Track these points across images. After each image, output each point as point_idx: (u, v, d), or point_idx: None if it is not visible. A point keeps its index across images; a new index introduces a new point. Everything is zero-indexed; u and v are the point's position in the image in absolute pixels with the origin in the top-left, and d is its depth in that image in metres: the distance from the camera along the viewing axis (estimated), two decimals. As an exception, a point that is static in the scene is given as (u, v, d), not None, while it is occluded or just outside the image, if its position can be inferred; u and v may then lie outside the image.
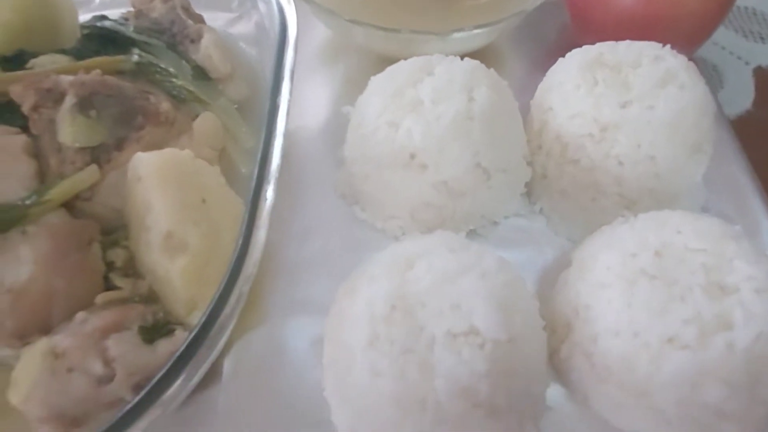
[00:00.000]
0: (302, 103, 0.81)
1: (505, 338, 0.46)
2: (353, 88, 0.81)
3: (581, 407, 0.57)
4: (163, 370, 0.45)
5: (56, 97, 0.62)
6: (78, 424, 0.52)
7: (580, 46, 0.71)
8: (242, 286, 0.50)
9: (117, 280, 0.60)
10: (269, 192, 0.55)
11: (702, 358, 0.46)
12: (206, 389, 0.60)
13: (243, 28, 0.90)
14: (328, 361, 0.55)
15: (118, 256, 0.61)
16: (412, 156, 0.60)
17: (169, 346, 0.54)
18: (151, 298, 0.60)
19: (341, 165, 0.74)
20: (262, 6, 0.82)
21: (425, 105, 0.60)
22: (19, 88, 0.60)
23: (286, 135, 0.63)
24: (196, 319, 0.55)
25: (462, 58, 0.66)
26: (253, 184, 0.55)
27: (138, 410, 0.44)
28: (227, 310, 0.49)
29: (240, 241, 0.52)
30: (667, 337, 0.47)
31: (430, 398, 0.45)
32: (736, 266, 0.49)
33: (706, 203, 0.71)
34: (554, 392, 0.58)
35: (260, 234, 0.53)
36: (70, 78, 0.62)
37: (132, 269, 0.62)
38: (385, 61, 0.69)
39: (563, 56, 0.71)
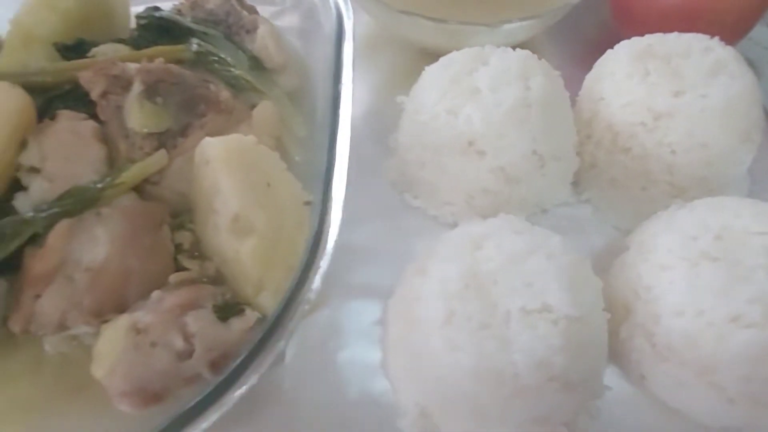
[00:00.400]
0: (346, 93, 0.84)
1: (576, 315, 0.48)
2: (397, 78, 0.84)
3: (637, 387, 0.59)
4: (251, 346, 0.47)
5: (123, 84, 0.64)
6: (157, 399, 0.54)
7: (621, 39, 0.73)
8: (318, 270, 0.52)
9: (185, 261, 0.61)
10: (339, 179, 0.56)
11: (767, 336, 0.48)
12: (270, 371, 0.62)
13: (287, 20, 0.92)
14: (395, 340, 0.57)
15: (185, 238, 0.63)
16: (471, 142, 0.62)
17: (241, 324, 0.56)
18: (217, 279, 0.62)
19: (392, 153, 0.76)
20: None
21: (483, 93, 0.62)
22: (90, 74, 0.62)
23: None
24: (264, 299, 0.58)
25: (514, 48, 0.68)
26: (324, 170, 0.57)
27: (227, 384, 0.46)
28: (306, 292, 0.50)
29: (316, 225, 0.53)
30: (732, 316, 0.49)
31: (508, 371, 0.47)
32: (796, 247, 0.51)
33: (750, 193, 0.73)
34: (610, 372, 0.60)
35: (335, 218, 0.54)
36: (136, 66, 0.64)
37: (197, 251, 0.63)
38: (425, 52, 0.71)
39: (603, 49, 0.74)
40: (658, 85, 0.62)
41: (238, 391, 0.48)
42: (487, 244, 0.52)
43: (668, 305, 0.52)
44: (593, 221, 0.74)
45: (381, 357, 0.62)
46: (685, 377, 0.53)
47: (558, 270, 0.50)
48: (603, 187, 0.72)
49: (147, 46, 0.73)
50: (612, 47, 0.74)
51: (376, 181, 0.77)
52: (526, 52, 0.67)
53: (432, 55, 0.83)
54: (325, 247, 0.52)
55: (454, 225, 0.71)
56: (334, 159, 0.58)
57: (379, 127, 0.81)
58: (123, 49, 0.72)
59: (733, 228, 0.53)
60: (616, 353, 0.60)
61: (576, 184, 0.75)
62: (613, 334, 0.59)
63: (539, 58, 0.68)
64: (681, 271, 0.52)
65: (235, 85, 0.72)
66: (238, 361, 0.47)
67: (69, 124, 0.62)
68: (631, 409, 0.59)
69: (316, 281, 0.51)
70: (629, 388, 0.60)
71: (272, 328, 0.49)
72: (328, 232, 0.53)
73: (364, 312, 0.66)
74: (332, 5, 0.72)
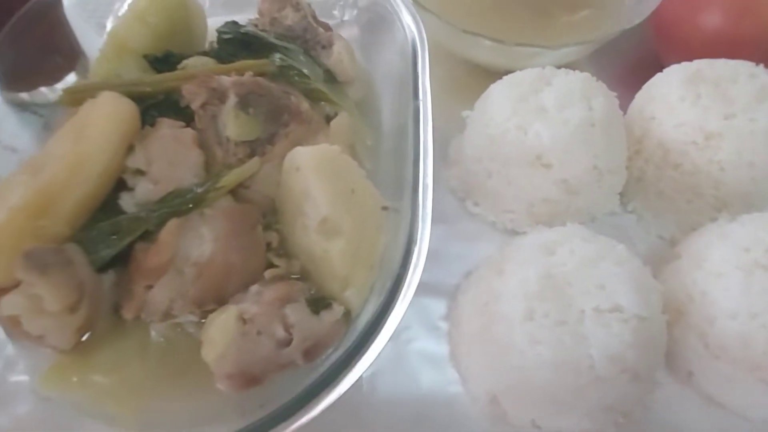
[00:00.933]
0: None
1: (645, 315, 0.54)
2: (454, 92, 0.90)
3: (684, 383, 0.65)
4: (360, 334, 0.53)
5: (219, 95, 0.69)
6: (256, 382, 0.59)
7: (663, 61, 0.80)
8: (412, 274, 0.57)
9: (273, 259, 0.67)
10: (429, 190, 0.62)
11: (814, 337, 0.54)
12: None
13: (346, 32, 0.98)
14: (470, 334, 0.63)
15: (272, 237, 0.68)
16: (538, 156, 0.68)
17: (330, 317, 0.61)
18: (302, 275, 0.67)
19: (453, 162, 0.82)
20: (365, 11, 0.91)
21: (550, 112, 0.68)
22: (193, 87, 0.68)
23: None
24: (351, 295, 0.64)
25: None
26: (412, 180, 0.62)
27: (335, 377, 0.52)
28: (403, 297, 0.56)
29: (407, 233, 0.59)
30: (784, 318, 0.55)
31: (584, 363, 0.53)
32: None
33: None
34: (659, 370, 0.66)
35: (426, 228, 0.59)
36: (230, 78, 0.70)
37: (283, 250, 0.69)
38: (479, 68, 0.76)
39: (643, 69, 0.80)
40: (709, 107, 0.69)
41: (349, 381, 0.53)
42: (559, 250, 0.59)
43: (723, 309, 0.58)
44: (637, 230, 0.80)
45: (449, 350, 0.68)
46: (735, 374, 0.59)
47: (627, 275, 0.56)
48: (649, 198, 0.78)
49: (228, 59, 0.79)
50: (653, 70, 0.81)
51: (437, 188, 0.83)
52: (586, 74, 0.73)
53: (485, 72, 0.89)
54: (419, 256, 0.57)
55: (512, 231, 0.77)
56: (420, 170, 0.63)
57: (437, 137, 0.87)
58: (209, 62, 0.77)
59: (784, 241, 0.59)
60: (667, 352, 0.65)
61: (622, 194, 0.81)
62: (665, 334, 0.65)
63: (597, 80, 0.74)
64: (735, 279, 0.58)
65: (311, 97, 0.78)
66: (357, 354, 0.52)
67: (171, 131, 0.68)
68: (680, 401, 0.65)
69: (411, 288, 0.56)
70: (677, 385, 0.66)
71: (375, 326, 0.54)
72: (421, 242, 0.58)
73: (431, 308, 0.72)
74: (405, 24, 0.77)
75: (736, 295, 0.57)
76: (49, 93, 0.92)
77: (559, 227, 0.63)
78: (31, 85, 0.89)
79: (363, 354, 0.53)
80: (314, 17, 0.84)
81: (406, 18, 0.78)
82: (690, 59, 0.78)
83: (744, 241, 0.60)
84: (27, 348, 0.62)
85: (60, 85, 0.92)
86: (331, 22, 1.00)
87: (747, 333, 0.56)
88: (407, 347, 0.69)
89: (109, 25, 1.01)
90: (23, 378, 0.62)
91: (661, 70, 0.81)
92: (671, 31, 0.87)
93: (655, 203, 0.77)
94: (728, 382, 0.61)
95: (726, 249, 0.60)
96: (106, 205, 0.65)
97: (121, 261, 0.63)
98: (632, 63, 0.98)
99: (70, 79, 0.93)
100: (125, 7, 1.02)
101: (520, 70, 0.78)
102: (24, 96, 0.90)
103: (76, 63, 0.93)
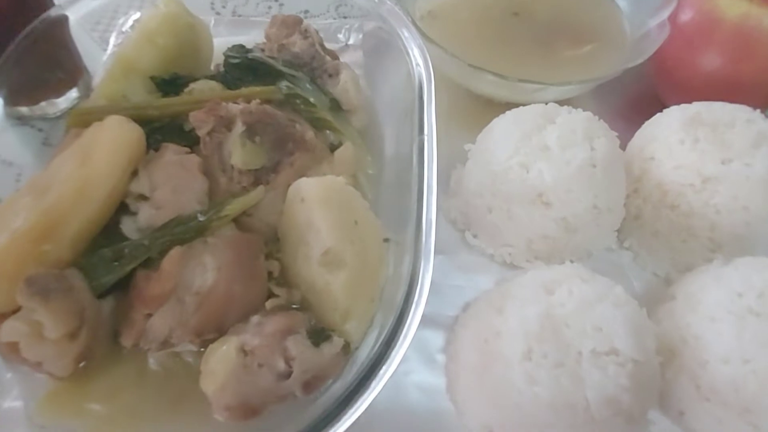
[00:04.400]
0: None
1: (641, 359, 0.57)
2: (454, 122, 0.92)
3: (674, 422, 0.68)
4: (362, 372, 0.55)
5: (226, 123, 0.71)
6: (254, 413, 0.61)
7: (663, 99, 0.83)
8: (416, 308, 0.59)
9: (274, 288, 0.68)
10: (432, 226, 0.64)
11: (804, 385, 0.57)
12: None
13: (349, 57, 1.00)
14: (467, 369, 0.65)
15: (273, 267, 0.70)
16: (540, 194, 0.71)
17: (331, 350, 0.63)
18: (302, 306, 0.69)
19: (453, 194, 0.84)
20: (370, 37, 0.93)
21: (553, 150, 0.71)
22: (202, 115, 0.69)
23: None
24: (352, 327, 0.66)
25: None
26: (415, 215, 0.64)
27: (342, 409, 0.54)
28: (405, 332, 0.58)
29: (412, 268, 0.61)
30: (774, 365, 0.58)
31: (580, 405, 0.55)
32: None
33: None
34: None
35: (428, 264, 0.61)
36: (239, 106, 0.71)
37: (284, 279, 0.71)
38: (480, 99, 0.77)
39: (642, 106, 0.84)
40: (707, 151, 0.72)
41: (352, 417, 0.54)
42: (558, 290, 0.61)
43: (715, 353, 0.61)
44: (633, 267, 0.83)
45: (446, 382, 0.70)
46: (725, 416, 0.62)
47: (624, 318, 0.58)
48: (645, 236, 0.81)
49: (234, 83, 0.81)
50: (652, 108, 0.84)
51: (437, 218, 0.85)
52: (588, 114, 0.76)
53: (487, 103, 0.92)
54: (421, 294, 0.59)
55: (511, 265, 0.80)
56: (423, 206, 0.65)
57: (438, 167, 0.89)
58: (216, 87, 0.79)
59: (775, 287, 0.62)
60: (660, 391, 0.68)
61: (619, 231, 0.83)
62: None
63: (599, 119, 0.77)
64: (728, 324, 0.61)
65: (316, 125, 0.79)
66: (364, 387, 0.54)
67: (176, 157, 0.69)
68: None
69: (413, 326, 0.58)
70: (668, 424, 0.68)
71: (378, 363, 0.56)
72: (423, 279, 0.60)
73: (429, 340, 0.74)
74: (412, 57, 0.80)
75: (729, 341, 0.60)
76: (49, 107, 0.93)
77: (558, 266, 0.65)
78: (32, 100, 0.91)
79: (366, 390, 0.54)
80: (322, 45, 0.86)
81: (414, 51, 0.80)
82: (689, 99, 0.81)
83: (737, 285, 0.63)
84: (23, 373, 0.63)
85: (61, 101, 0.94)
86: (335, 46, 1.03)
87: (738, 378, 0.59)
88: (404, 379, 0.71)
89: (112, 40, 1.03)
90: (18, 404, 0.63)
91: (660, 108, 0.84)
92: (672, 71, 0.90)
93: (651, 241, 0.80)
94: (718, 423, 0.63)
95: (720, 293, 0.63)
96: (108, 229, 0.67)
97: (122, 288, 0.64)
98: (632, 99, 1.01)
99: (72, 94, 0.95)
100: (129, 22, 1.05)
101: (522, 103, 0.81)
102: (24, 110, 0.91)
103: (78, 78, 0.95)
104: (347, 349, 0.64)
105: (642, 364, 0.57)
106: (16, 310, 0.58)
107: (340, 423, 0.52)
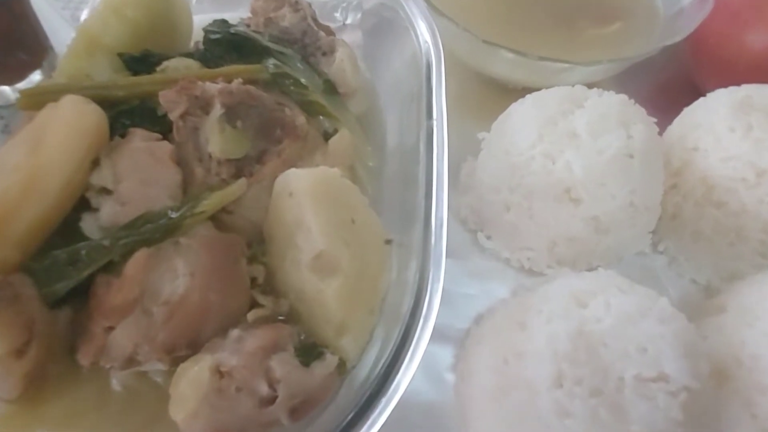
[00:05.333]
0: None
1: (696, 386, 0.49)
2: (465, 107, 0.85)
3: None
4: (363, 399, 0.48)
5: (202, 104, 0.64)
6: (232, 442, 0.54)
7: (699, 82, 0.75)
8: (426, 322, 0.52)
9: (258, 297, 0.62)
10: (443, 225, 0.57)
11: None
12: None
13: (347, 37, 0.93)
14: (483, 394, 0.57)
15: (258, 272, 0.63)
16: (567, 190, 0.64)
17: (323, 370, 0.56)
18: (290, 317, 0.62)
19: (464, 189, 0.77)
20: (371, 15, 0.86)
21: (582, 138, 0.63)
22: (172, 94, 0.62)
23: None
24: (347, 343, 0.59)
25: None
26: (423, 213, 0.57)
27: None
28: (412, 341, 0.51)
29: (420, 273, 0.54)
30: None
31: (623, 443, 0.47)
32: None
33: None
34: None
35: (440, 269, 0.54)
36: (217, 86, 0.64)
37: (269, 286, 0.63)
38: (494, 83, 0.72)
39: (678, 92, 0.75)
40: (762, 140, 0.64)
41: None
42: (593, 302, 0.53)
43: (777, 376, 0.53)
44: (668, 273, 0.76)
45: (457, 405, 0.63)
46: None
47: (673, 336, 0.51)
48: (684, 239, 0.74)
49: (215, 62, 0.74)
50: (684, 89, 0.78)
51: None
52: (623, 96, 0.69)
53: (502, 88, 0.84)
54: (431, 305, 0.52)
55: (529, 270, 0.72)
56: (433, 202, 0.58)
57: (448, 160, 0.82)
58: (194, 65, 0.72)
59: None
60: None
61: (654, 233, 0.76)
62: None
63: (634, 103, 0.69)
64: (794, 342, 0.53)
65: (308, 110, 0.73)
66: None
67: (145, 144, 0.63)
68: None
69: (423, 343, 0.51)
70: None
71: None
72: (433, 287, 0.53)
73: (437, 356, 0.68)
74: (419, 32, 0.73)
75: (795, 362, 0.52)
76: (11, 93, 0.87)
77: (590, 273, 0.58)
78: (-13, 82, 0.84)
79: (367, 420, 0.48)
80: (315, 19, 0.80)
81: (421, 25, 0.74)
82: (732, 82, 0.75)
83: (803, 297, 0.55)
84: (-33, 396, 0.57)
85: (23, 84, 0.87)
86: (331, 26, 0.95)
87: (807, 407, 0.51)
88: (407, 401, 0.63)
89: (83, 17, 0.96)
90: (-38, 431, 0.57)
91: (695, 93, 0.78)
92: (713, 50, 0.83)
93: (691, 245, 0.73)
94: (779, 459, 0.55)
95: (782, 305, 0.55)
96: (65, 228, 0.61)
97: (79, 295, 0.58)
98: (663, 83, 0.95)
99: (35, 77, 0.88)
100: (102, -4, 0.97)
101: (542, 87, 0.74)
102: (-19, 95, 0.84)
103: (43, 59, 0.90)
104: (342, 369, 0.59)
105: (697, 393, 0.49)
106: (-48, 325, 0.52)
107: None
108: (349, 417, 0.49)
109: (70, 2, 0.98)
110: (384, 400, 0.49)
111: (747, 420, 0.57)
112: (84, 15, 0.98)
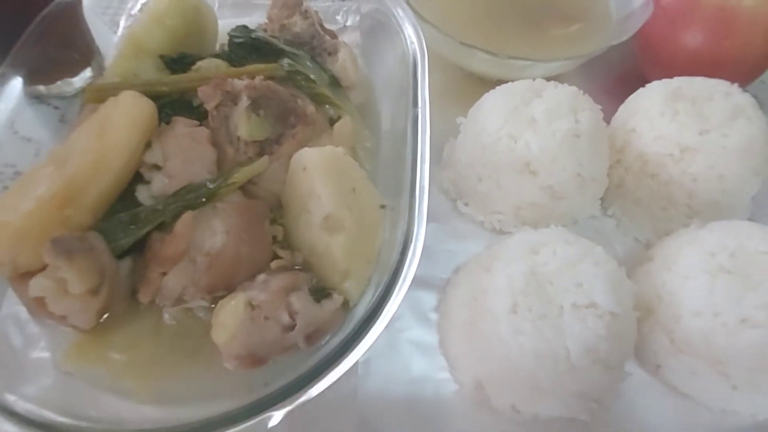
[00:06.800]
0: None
1: (618, 311, 0.59)
2: (447, 97, 0.94)
3: (652, 375, 0.71)
4: (359, 321, 0.57)
5: (232, 97, 0.73)
6: (260, 362, 0.63)
7: (646, 75, 0.85)
8: (408, 269, 0.61)
9: (278, 251, 0.71)
10: (425, 192, 0.66)
11: (769, 334, 0.60)
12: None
13: (347, 37, 1.02)
14: (458, 325, 0.67)
15: (277, 231, 0.72)
16: (527, 164, 0.73)
17: (331, 306, 0.66)
18: (304, 267, 0.71)
19: (445, 165, 0.87)
20: (367, 18, 0.95)
21: (539, 123, 0.73)
22: (209, 90, 0.72)
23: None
24: (350, 286, 0.68)
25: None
26: (409, 182, 0.66)
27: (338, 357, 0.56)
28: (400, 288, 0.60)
29: (405, 230, 0.63)
30: (742, 318, 0.61)
31: (561, 354, 0.58)
32: (798, 265, 0.62)
33: (752, 217, 0.84)
34: (629, 362, 0.71)
35: (422, 226, 0.63)
36: (243, 82, 0.74)
37: (287, 243, 0.73)
38: (472, 76, 0.79)
39: (626, 82, 0.86)
40: (686, 124, 0.74)
41: (348, 364, 0.56)
42: (543, 251, 0.64)
43: (688, 308, 0.64)
44: (616, 233, 0.86)
45: (438, 339, 0.73)
46: (698, 367, 0.65)
47: (603, 275, 0.61)
48: (627, 204, 0.83)
49: (238, 62, 0.83)
50: (636, 84, 0.86)
51: (430, 188, 0.87)
52: (574, 88, 0.78)
53: (479, 80, 0.93)
54: (415, 253, 0.61)
55: (500, 231, 0.82)
56: (417, 174, 0.67)
57: (432, 141, 0.92)
58: (222, 65, 0.81)
59: (746, 248, 0.65)
60: (637, 346, 0.70)
61: (603, 200, 0.86)
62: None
63: (583, 93, 0.79)
64: (701, 281, 0.63)
65: (316, 100, 0.82)
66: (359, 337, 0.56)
67: (186, 129, 0.72)
68: (648, 391, 0.70)
69: (407, 282, 0.60)
70: (645, 375, 0.71)
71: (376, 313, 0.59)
72: (417, 239, 0.62)
73: (423, 300, 0.77)
74: (406, 35, 0.81)
75: (701, 296, 0.63)
76: (65, 86, 0.96)
77: (544, 229, 0.68)
78: (49, 79, 0.93)
79: (361, 340, 0.56)
80: (321, 25, 0.88)
81: (408, 29, 0.82)
82: (672, 75, 0.83)
83: (711, 246, 0.65)
84: (49, 327, 0.66)
85: (76, 79, 0.96)
86: (334, 27, 1.04)
87: (709, 330, 0.62)
88: (400, 336, 0.74)
89: (122, 23, 1.05)
90: (45, 355, 0.66)
91: (643, 84, 0.86)
92: (655, 49, 0.92)
93: (633, 209, 0.82)
94: (692, 374, 0.66)
95: (694, 253, 0.66)
96: (125, 196, 0.69)
97: (139, 249, 0.66)
98: (617, 76, 1.03)
99: (86, 74, 0.97)
100: (138, 6, 1.06)
101: (512, 80, 0.83)
102: (41, 89, 0.94)
103: (92, 59, 0.97)
104: (346, 306, 0.66)
105: (619, 317, 0.59)
106: (43, 269, 0.61)
107: (336, 369, 0.55)
108: (350, 335, 0.57)
109: (108, 9, 1.06)
110: (375, 324, 0.56)
111: (667, 344, 0.67)
112: (122, 20, 1.07)
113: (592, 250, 0.64)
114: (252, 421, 0.53)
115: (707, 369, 0.64)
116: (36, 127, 0.93)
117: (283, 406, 0.54)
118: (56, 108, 0.97)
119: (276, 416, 0.54)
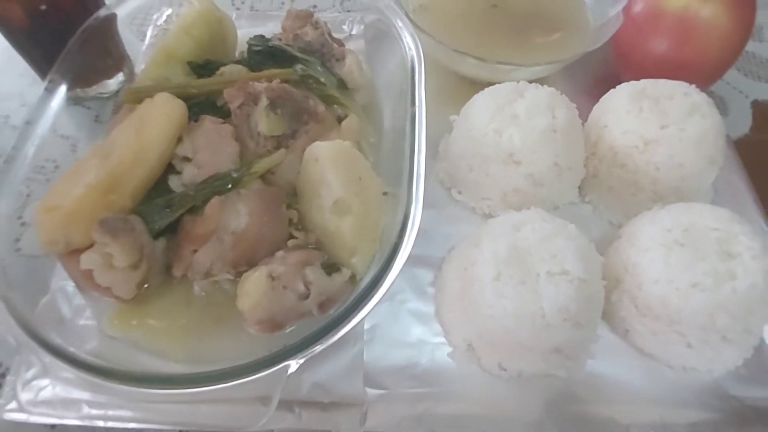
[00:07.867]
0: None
1: (585, 278, 0.67)
2: (443, 98, 1.01)
3: (622, 338, 0.78)
4: (364, 288, 0.65)
5: (253, 98, 0.81)
6: (280, 327, 0.71)
7: (621, 78, 0.92)
8: (406, 245, 0.68)
9: (294, 232, 0.78)
10: (421, 179, 0.73)
11: (715, 297, 0.67)
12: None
13: (353, 45, 1.09)
14: (451, 294, 0.75)
15: (293, 215, 0.79)
16: (511, 155, 0.81)
17: (341, 278, 0.73)
18: (317, 246, 0.79)
19: (441, 158, 0.95)
20: (371, 27, 1.03)
21: (521, 119, 0.81)
22: (234, 91, 0.79)
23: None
24: (357, 262, 0.75)
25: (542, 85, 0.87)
26: (408, 171, 0.73)
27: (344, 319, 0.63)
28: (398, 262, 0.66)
29: (403, 214, 0.69)
30: (692, 283, 0.68)
31: (538, 313, 0.66)
32: (740, 240, 0.70)
33: (713, 201, 0.92)
34: (602, 328, 0.79)
35: (418, 210, 0.69)
36: (263, 85, 0.81)
37: (301, 225, 0.81)
38: (465, 79, 0.87)
39: (605, 85, 0.93)
40: (649, 119, 0.81)
41: (351, 324, 0.63)
42: (524, 228, 0.71)
43: (648, 276, 0.71)
44: (592, 217, 0.92)
45: (435, 309, 0.81)
46: (658, 328, 0.72)
47: (575, 248, 0.69)
48: (602, 191, 0.91)
49: (257, 67, 0.90)
50: (613, 85, 0.93)
51: (428, 179, 0.94)
52: (552, 89, 0.85)
53: (471, 82, 1.01)
54: (412, 231, 0.67)
55: (489, 215, 0.90)
56: (414, 164, 0.74)
57: (429, 137, 0.99)
58: (242, 70, 0.89)
59: (697, 225, 0.72)
60: (608, 313, 0.78)
61: (581, 188, 0.93)
62: (606, 299, 0.77)
63: (561, 94, 0.87)
64: (659, 253, 0.71)
65: (326, 101, 0.89)
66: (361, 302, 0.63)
67: (213, 126, 0.79)
68: (618, 353, 0.77)
69: (404, 256, 0.66)
70: (616, 339, 0.78)
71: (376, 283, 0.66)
72: (414, 220, 0.68)
73: (421, 276, 0.84)
74: (406, 44, 0.89)
75: (659, 266, 0.70)
76: (101, 89, 1.04)
77: (525, 210, 0.76)
78: (87, 83, 1.01)
79: (366, 303, 0.63)
80: (330, 34, 0.95)
81: (407, 38, 0.90)
82: (642, 77, 0.90)
83: (668, 224, 0.73)
84: (93, 299, 0.74)
85: (111, 82, 1.04)
86: (341, 35, 1.12)
87: (666, 295, 0.69)
88: (401, 307, 0.81)
89: (149, 32, 1.14)
90: (91, 322, 0.74)
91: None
92: (627, 54, 0.99)
93: (607, 196, 0.89)
94: (653, 335, 0.73)
95: (653, 230, 0.73)
96: (159, 184, 0.77)
97: (172, 230, 0.72)
98: (595, 79, 1.10)
99: (119, 77, 1.05)
100: (164, 17, 1.14)
101: (500, 82, 0.90)
102: (79, 92, 1.02)
103: (123, 65, 1.06)
104: (353, 279, 0.72)
105: (587, 282, 0.67)
106: (91, 246, 0.68)
107: (344, 327, 0.62)
108: (356, 298, 0.63)
109: (135, 19, 1.14)
110: (378, 291, 0.62)
111: (632, 309, 0.75)
112: (149, 30, 1.15)
113: (565, 228, 0.71)
114: (274, 368, 0.60)
115: (666, 329, 0.71)
116: (73, 126, 1.02)
117: (301, 356, 0.61)
118: (89, 108, 1.05)
119: (293, 365, 0.61)
